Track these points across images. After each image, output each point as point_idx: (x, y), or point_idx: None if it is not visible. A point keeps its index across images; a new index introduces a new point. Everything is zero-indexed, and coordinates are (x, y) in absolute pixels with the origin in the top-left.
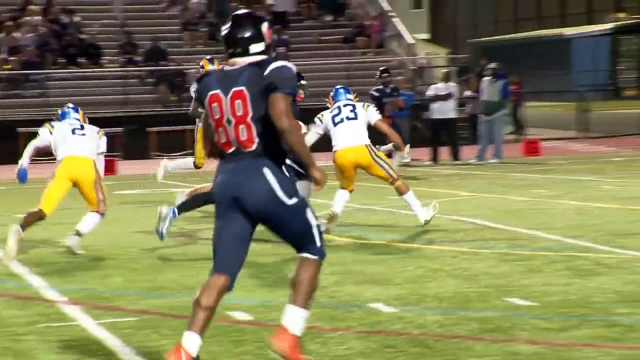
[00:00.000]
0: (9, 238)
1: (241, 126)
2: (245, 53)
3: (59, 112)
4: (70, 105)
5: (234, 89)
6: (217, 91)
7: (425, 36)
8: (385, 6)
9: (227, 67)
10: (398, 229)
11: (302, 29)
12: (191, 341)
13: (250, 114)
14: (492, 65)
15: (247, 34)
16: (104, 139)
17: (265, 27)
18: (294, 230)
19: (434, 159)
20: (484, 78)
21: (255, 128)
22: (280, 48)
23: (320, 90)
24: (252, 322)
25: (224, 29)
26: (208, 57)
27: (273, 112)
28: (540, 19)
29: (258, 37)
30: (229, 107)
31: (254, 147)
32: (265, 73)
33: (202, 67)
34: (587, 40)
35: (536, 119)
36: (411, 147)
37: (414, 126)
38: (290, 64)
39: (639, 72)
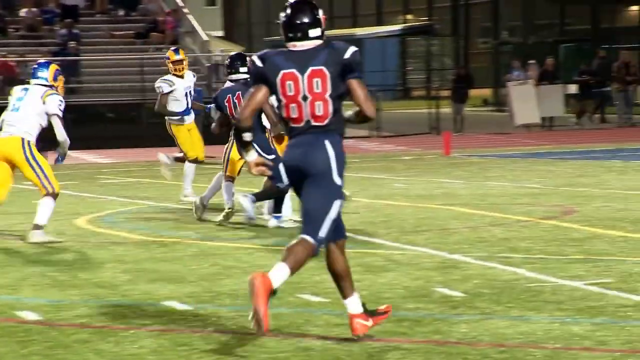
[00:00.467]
0: None
1: (317, 102)
2: (305, 37)
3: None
4: (41, 61)
5: (312, 67)
6: (292, 70)
7: (219, 33)
8: (179, 2)
9: (293, 49)
10: (193, 226)
11: (93, 24)
12: (279, 272)
13: (329, 92)
14: None
15: (306, 20)
16: (52, 98)
17: (321, 13)
18: (315, 200)
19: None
20: None
21: (331, 105)
22: (71, 42)
23: (112, 85)
24: (40, 321)
25: (283, 16)
26: (173, 48)
27: (358, 96)
28: (333, 19)
29: (316, 23)
30: (306, 84)
31: (326, 122)
32: (346, 56)
33: (168, 58)
34: (377, 41)
35: None
36: (205, 145)
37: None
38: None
39: (426, 73)
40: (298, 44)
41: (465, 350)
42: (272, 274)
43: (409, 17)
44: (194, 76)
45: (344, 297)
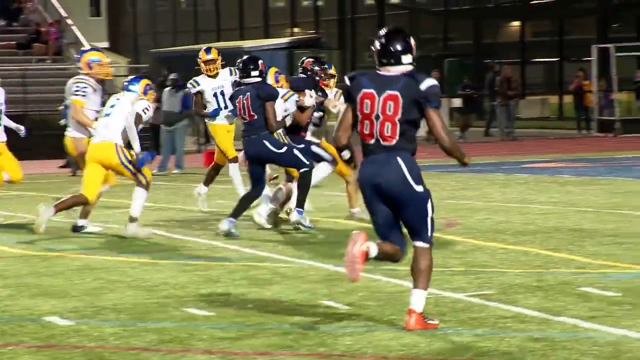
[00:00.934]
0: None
1: (387, 123)
2: (398, 63)
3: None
4: (132, 76)
5: (389, 91)
6: (371, 90)
7: (105, 44)
8: (63, 13)
9: (380, 72)
10: (77, 240)
11: None
12: (419, 298)
13: (399, 116)
14: (173, 75)
15: (400, 47)
16: (140, 102)
17: (412, 41)
18: (413, 216)
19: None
20: (165, 89)
21: (399, 127)
22: None
23: None
24: None
25: (378, 42)
26: (205, 47)
27: (432, 127)
28: (220, 31)
29: (409, 50)
30: (380, 105)
31: (393, 142)
32: (422, 87)
33: (200, 57)
34: (265, 54)
35: None
36: None
37: None
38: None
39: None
40: (391, 68)
41: None
42: (414, 301)
43: (296, 30)
44: (233, 74)
45: (413, 287)
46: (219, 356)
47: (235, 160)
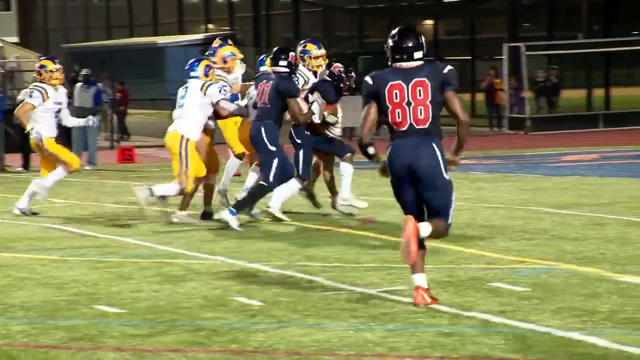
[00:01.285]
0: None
1: (420, 107)
2: (410, 59)
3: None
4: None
5: (416, 79)
6: (398, 82)
7: (14, 39)
8: None
9: (397, 66)
10: None
11: None
12: (426, 227)
13: (430, 99)
14: (85, 71)
15: (412, 44)
16: (210, 89)
17: (423, 39)
18: (438, 200)
19: (25, 165)
20: (77, 84)
21: (432, 110)
22: None
23: None
24: None
25: (391, 40)
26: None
27: (453, 105)
28: (133, 27)
29: (420, 47)
30: (410, 92)
31: (427, 125)
32: (445, 71)
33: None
34: (179, 50)
35: (135, 127)
36: (6, 152)
37: (6, 131)
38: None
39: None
40: (404, 64)
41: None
42: (421, 225)
43: (211, 26)
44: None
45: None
46: (130, 353)
47: (240, 156)
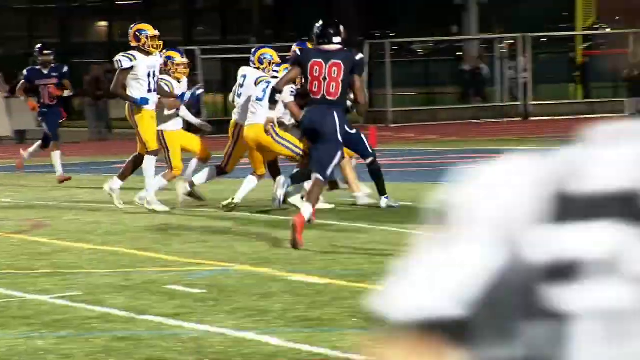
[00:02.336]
0: None
1: (332, 83)
2: (330, 42)
3: None
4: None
5: (333, 60)
6: (319, 60)
7: None
8: None
9: (322, 48)
10: None
11: None
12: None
13: (341, 77)
14: None
15: (332, 31)
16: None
17: (342, 28)
18: (323, 153)
19: None
20: None
21: (341, 87)
22: None
23: None
24: None
25: (317, 27)
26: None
27: (355, 87)
28: None
29: (338, 33)
30: (327, 70)
31: (336, 98)
32: (357, 58)
33: (145, 32)
34: None
35: None
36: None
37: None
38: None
39: None
40: (326, 47)
41: None
42: (303, 211)
43: None
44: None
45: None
46: None
47: (155, 153)
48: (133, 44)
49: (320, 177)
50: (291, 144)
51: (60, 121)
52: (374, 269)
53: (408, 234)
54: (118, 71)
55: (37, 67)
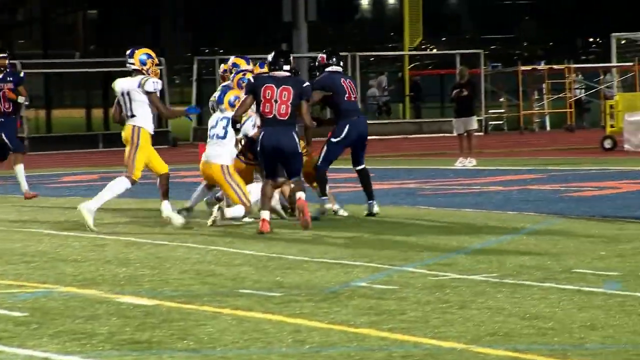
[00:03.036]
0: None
1: (282, 105)
2: (281, 69)
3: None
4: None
5: (284, 85)
6: (272, 84)
7: None
8: None
9: (274, 74)
10: None
11: None
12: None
13: (291, 100)
14: None
15: (283, 60)
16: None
17: (291, 58)
18: (295, 166)
19: None
20: None
21: (290, 109)
22: None
23: None
24: None
25: (270, 57)
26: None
27: (302, 110)
28: None
29: (288, 62)
30: (278, 94)
31: (286, 118)
32: (304, 85)
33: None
34: None
35: None
36: None
37: None
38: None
39: None
40: (277, 73)
41: None
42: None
43: None
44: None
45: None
46: None
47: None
48: None
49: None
50: (241, 192)
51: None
52: (205, 290)
53: (238, 254)
54: None
55: None
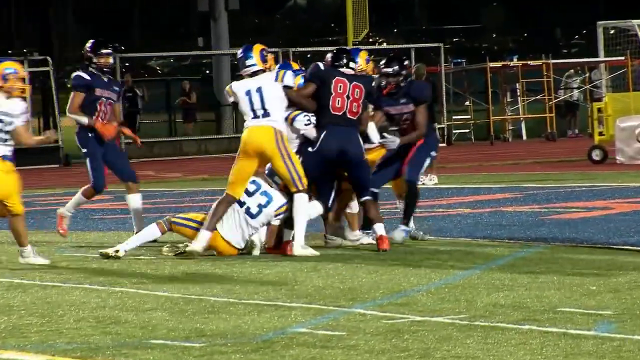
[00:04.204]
0: None
1: (355, 103)
2: (347, 67)
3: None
4: None
5: (355, 82)
6: (344, 79)
7: None
8: None
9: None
10: None
11: None
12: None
13: (362, 100)
14: None
15: (346, 57)
16: None
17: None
18: (362, 173)
19: None
20: None
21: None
22: None
23: None
24: None
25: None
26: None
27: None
28: None
29: (353, 60)
30: (351, 90)
31: (355, 118)
32: (372, 84)
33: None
34: None
35: None
36: None
37: None
38: None
39: None
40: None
41: None
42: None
43: None
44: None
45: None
46: None
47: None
48: None
49: None
50: None
51: None
52: (107, 341)
53: (149, 296)
54: None
55: None
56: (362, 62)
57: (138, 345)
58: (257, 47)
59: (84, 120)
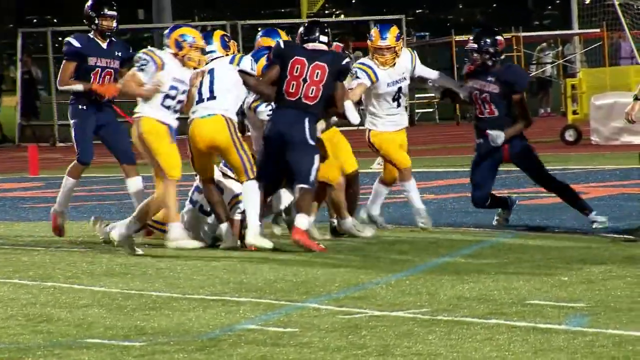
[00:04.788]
0: None
1: (312, 87)
2: (316, 41)
3: None
4: None
5: (317, 62)
6: (303, 58)
7: None
8: None
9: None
10: None
11: None
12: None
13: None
14: None
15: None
16: None
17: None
18: (301, 162)
19: None
20: None
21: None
22: None
23: None
24: None
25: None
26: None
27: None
28: None
29: (325, 33)
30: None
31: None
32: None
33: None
34: None
35: None
36: None
37: None
38: None
39: None
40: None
41: None
42: (298, 224)
43: None
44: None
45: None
46: None
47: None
48: None
49: None
50: None
51: None
52: (39, 340)
53: (84, 291)
54: None
55: None
56: (391, 39)
57: (72, 345)
58: (218, 33)
59: (79, 87)
